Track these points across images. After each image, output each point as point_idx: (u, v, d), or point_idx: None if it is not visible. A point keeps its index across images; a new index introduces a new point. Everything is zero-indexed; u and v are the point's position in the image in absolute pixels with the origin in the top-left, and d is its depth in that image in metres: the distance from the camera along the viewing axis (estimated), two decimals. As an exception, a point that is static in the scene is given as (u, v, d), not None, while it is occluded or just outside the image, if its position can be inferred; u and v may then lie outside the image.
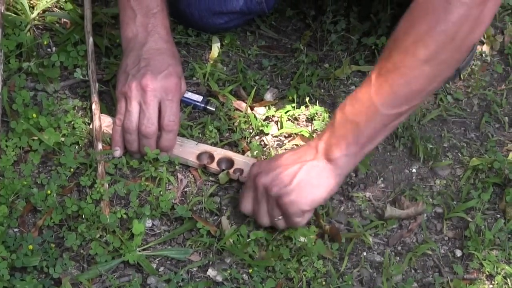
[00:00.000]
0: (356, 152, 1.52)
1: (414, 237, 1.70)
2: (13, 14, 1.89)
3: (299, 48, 1.94)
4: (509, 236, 1.71)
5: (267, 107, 1.84)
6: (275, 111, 1.83)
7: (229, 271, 1.59)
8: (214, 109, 1.82)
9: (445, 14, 1.38)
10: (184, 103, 1.81)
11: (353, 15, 1.99)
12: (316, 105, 1.85)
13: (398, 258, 1.67)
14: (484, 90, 1.94)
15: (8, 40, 1.82)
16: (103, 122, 1.73)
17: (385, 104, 1.46)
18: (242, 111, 1.82)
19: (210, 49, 1.93)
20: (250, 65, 1.93)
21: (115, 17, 1.89)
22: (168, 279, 1.58)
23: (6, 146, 1.69)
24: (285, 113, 1.83)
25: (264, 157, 1.75)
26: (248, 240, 1.61)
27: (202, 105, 1.82)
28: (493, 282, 1.65)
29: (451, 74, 1.50)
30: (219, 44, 1.94)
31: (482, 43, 2.03)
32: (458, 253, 1.69)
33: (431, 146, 1.81)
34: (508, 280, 1.65)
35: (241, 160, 1.72)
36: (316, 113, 1.83)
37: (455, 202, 1.75)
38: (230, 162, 1.72)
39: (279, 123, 1.82)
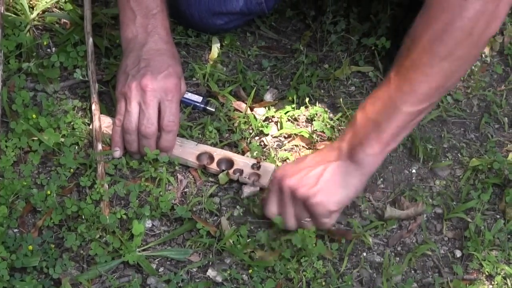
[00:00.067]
0: (379, 151, 1.51)
1: (414, 238, 1.70)
2: (12, 15, 1.89)
3: (299, 48, 1.94)
4: (509, 236, 1.71)
5: (267, 108, 1.84)
6: (275, 112, 1.83)
7: (229, 272, 1.59)
8: (214, 110, 1.82)
9: (461, 11, 1.39)
10: (184, 104, 1.81)
11: (353, 16, 1.99)
12: (316, 105, 1.85)
13: (398, 258, 1.67)
14: (484, 90, 1.94)
15: (8, 41, 1.82)
16: (103, 123, 1.73)
17: (405, 102, 1.46)
18: (242, 112, 1.82)
19: (210, 49, 1.93)
20: (250, 66, 1.93)
21: (115, 18, 1.89)
22: (168, 280, 1.58)
23: (6, 147, 1.69)
24: (285, 113, 1.83)
25: (264, 157, 1.75)
26: (248, 240, 1.61)
27: (202, 105, 1.82)
28: (492, 283, 1.65)
29: (468, 70, 1.50)
30: (219, 45, 1.94)
31: (481, 43, 2.04)
32: (458, 253, 1.69)
33: (431, 147, 1.81)
34: (508, 280, 1.65)
35: (241, 161, 1.72)
36: (316, 114, 1.83)
37: (454, 203, 1.75)
38: (230, 163, 1.72)
39: (278, 124, 1.82)
